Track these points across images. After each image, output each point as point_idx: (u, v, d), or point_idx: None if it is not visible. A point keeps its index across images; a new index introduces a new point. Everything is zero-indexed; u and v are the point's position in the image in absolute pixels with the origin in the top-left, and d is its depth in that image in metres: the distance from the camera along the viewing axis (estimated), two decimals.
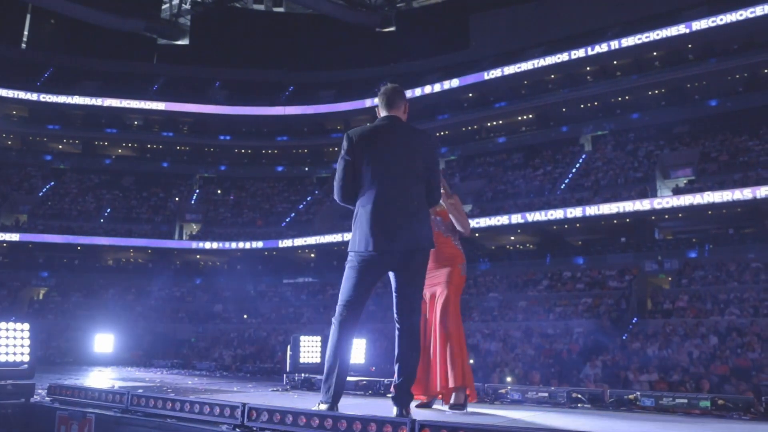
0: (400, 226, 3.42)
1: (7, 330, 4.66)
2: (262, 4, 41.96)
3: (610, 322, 19.40)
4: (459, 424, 2.64)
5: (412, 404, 3.64)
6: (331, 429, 2.93)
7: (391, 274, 3.57)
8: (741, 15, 25.80)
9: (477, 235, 26.69)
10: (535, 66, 30.98)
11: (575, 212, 24.99)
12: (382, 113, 3.66)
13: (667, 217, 24.63)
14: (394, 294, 3.58)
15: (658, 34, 27.89)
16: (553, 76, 31.56)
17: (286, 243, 31.81)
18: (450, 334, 4.00)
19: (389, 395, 3.59)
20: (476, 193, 30.08)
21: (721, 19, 26.31)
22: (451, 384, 3.90)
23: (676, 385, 13.29)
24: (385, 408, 3.62)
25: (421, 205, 3.55)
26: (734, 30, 26.33)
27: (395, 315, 3.57)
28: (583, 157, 29.67)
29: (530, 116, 32.99)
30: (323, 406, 3.40)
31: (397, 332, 3.57)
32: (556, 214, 25.33)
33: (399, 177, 3.47)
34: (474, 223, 25.50)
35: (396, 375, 3.52)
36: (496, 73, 32.04)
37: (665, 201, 23.78)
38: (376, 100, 3.75)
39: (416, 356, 3.59)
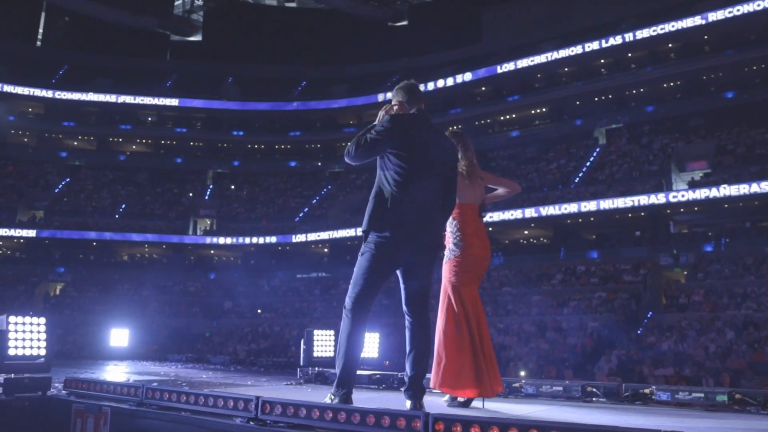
0: (425, 219, 3.45)
1: (24, 324, 4.72)
2: None
3: (625, 317, 19.27)
4: (472, 418, 2.63)
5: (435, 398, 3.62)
6: (345, 422, 2.92)
7: (399, 270, 3.56)
8: (759, 5, 25.41)
9: (491, 228, 26.56)
10: (549, 59, 30.75)
11: (589, 206, 24.81)
12: (409, 105, 3.64)
13: (682, 210, 24.40)
14: (403, 287, 3.57)
15: (673, 26, 27.58)
16: (566, 69, 31.32)
17: (299, 238, 31.91)
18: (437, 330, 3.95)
19: (403, 389, 3.59)
20: (490, 187, 29.93)
21: (738, 10, 25.94)
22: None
23: (691, 379, 13.17)
24: (399, 402, 3.61)
25: (440, 203, 3.59)
26: (751, 21, 25.96)
27: (405, 308, 3.57)
28: (598, 150, 29.44)
29: (544, 110, 32.78)
30: (336, 400, 3.40)
31: (407, 326, 3.56)
32: (570, 207, 25.17)
33: (430, 171, 3.48)
34: (487, 217, 25.32)
35: (408, 368, 3.52)
36: (509, 66, 31.85)
37: (681, 194, 23.53)
38: (391, 95, 3.74)
39: (428, 349, 3.58)
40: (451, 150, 3.67)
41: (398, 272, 3.58)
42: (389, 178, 3.44)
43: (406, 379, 3.54)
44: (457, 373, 3.77)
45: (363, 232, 3.49)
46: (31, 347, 4.72)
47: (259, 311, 28.27)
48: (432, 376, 3.81)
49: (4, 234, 31.44)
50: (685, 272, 22.05)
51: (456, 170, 3.72)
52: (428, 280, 3.61)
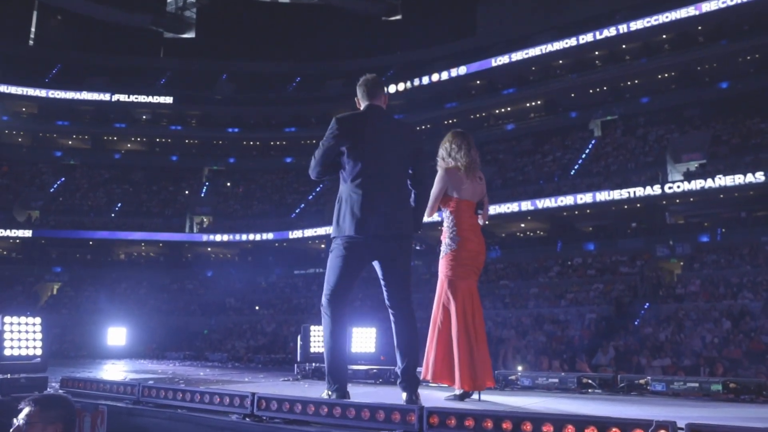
0: (388, 212, 3.46)
1: (19, 324, 4.71)
2: None
3: (622, 308, 19.32)
4: (467, 411, 2.64)
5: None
6: (340, 417, 2.93)
7: (376, 264, 3.57)
8: None
9: (487, 222, 26.58)
10: (543, 52, 30.75)
11: (585, 198, 24.84)
12: (363, 103, 3.67)
13: (678, 201, 24.45)
14: (382, 282, 3.58)
15: (667, 17, 27.58)
16: (561, 62, 31.31)
17: (296, 234, 31.87)
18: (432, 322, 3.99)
19: (398, 382, 3.60)
20: (486, 180, 29.90)
21: (732, 0, 25.95)
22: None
23: (688, 369, 13.22)
24: (396, 396, 3.62)
25: (406, 193, 3.61)
26: (745, 10, 26.00)
27: (387, 302, 3.58)
28: (593, 142, 29.47)
29: (539, 102, 32.78)
30: (333, 395, 3.42)
31: (392, 318, 3.58)
32: (567, 200, 25.21)
33: (387, 164, 3.51)
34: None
35: (399, 361, 3.53)
36: (503, 59, 31.83)
37: (676, 185, 23.59)
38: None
39: (415, 340, 3.59)
40: (409, 136, 3.65)
41: (376, 267, 3.58)
42: (345, 177, 3.51)
43: (398, 372, 3.55)
44: (446, 365, 3.81)
45: (332, 237, 3.55)
46: (27, 347, 4.71)
47: (256, 308, 28.27)
48: (423, 368, 3.85)
49: (0, 234, 31.36)
50: (682, 263, 22.11)
51: (420, 154, 3.69)
52: (406, 271, 3.62)
